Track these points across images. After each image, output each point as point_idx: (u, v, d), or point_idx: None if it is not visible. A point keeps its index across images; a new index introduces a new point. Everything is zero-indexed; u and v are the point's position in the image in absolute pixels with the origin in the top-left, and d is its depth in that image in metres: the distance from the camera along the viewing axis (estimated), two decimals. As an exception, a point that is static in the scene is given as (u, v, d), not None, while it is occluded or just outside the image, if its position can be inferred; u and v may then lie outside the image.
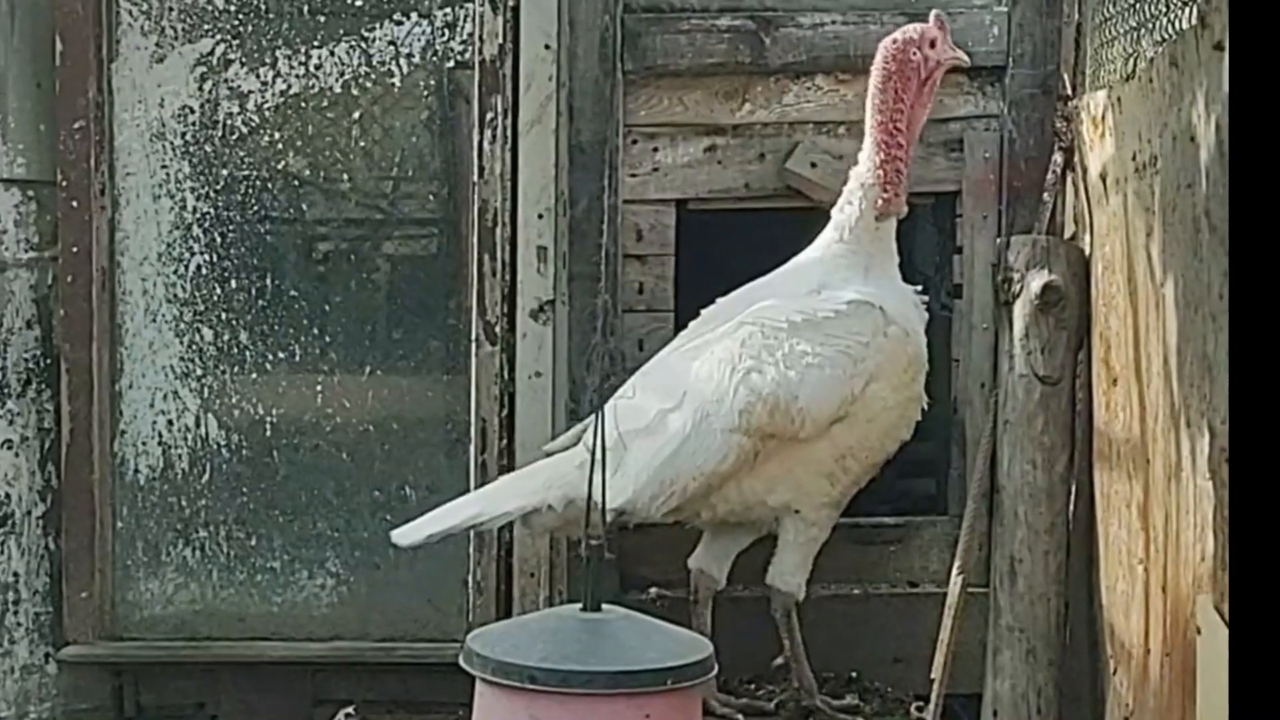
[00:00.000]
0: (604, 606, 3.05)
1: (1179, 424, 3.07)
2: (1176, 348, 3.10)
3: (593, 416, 4.11)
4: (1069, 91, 4.32)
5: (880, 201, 4.05)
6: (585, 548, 2.94)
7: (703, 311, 4.18)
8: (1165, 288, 3.19)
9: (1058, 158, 4.30)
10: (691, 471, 3.93)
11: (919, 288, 4.17)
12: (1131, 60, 3.62)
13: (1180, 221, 3.03)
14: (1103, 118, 3.81)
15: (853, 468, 4.02)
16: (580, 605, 3.05)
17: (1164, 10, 3.30)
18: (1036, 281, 4.02)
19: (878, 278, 4.07)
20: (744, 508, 4.04)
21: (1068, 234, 4.30)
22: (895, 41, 4.09)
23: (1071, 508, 4.10)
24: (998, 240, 4.27)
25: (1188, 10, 3.02)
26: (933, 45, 4.09)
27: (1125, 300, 3.60)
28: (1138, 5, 3.59)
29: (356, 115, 4.50)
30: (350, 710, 4.41)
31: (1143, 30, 3.54)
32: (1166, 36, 3.26)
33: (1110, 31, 3.94)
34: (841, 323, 3.97)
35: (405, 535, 4.02)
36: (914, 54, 4.07)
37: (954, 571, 4.11)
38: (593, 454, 3.20)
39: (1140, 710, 3.41)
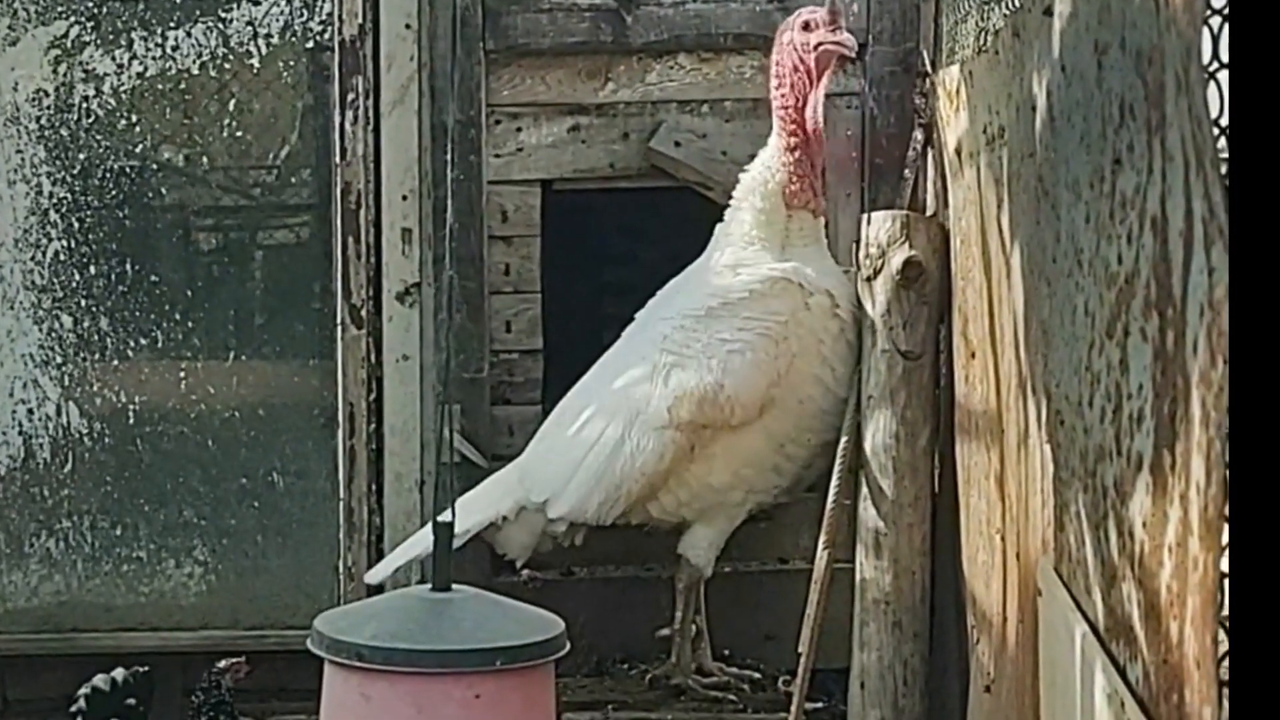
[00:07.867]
0: (455, 587, 3.02)
1: (1026, 392, 3.09)
2: (1024, 316, 3.12)
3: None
4: (928, 68, 4.34)
5: (787, 192, 4.04)
6: (433, 526, 2.91)
7: (636, 315, 4.18)
8: (1014, 258, 3.20)
9: (918, 134, 4.32)
10: (634, 475, 3.96)
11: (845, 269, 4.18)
12: (982, 33, 3.63)
13: (1024, 190, 3.05)
14: (957, 92, 3.83)
15: (797, 453, 4.06)
16: (430, 585, 3.02)
17: (1011, -18, 3.31)
18: (898, 257, 4.03)
19: (800, 251, 4.06)
20: (690, 496, 4.05)
21: (930, 210, 4.32)
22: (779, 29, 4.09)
23: (935, 481, 4.12)
24: (860, 217, 4.29)
25: (1029, -20, 3.04)
26: (806, 28, 4.05)
27: (980, 273, 3.61)
28: (989, -22, 3.61)
29: (216, 97, 4.45)
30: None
31: (993, 3, 3.56)
32: (1012, 9, 3.28)
33: (965, 7, 3.96)
34: (759, 302, 3.97)
35: (376, 574, 4.11)
36: (785, 38, 4.06)
37: (820, 546, 4.12)
38: (439, 437, 3.17)
39: (1000, 677, 3.43)
